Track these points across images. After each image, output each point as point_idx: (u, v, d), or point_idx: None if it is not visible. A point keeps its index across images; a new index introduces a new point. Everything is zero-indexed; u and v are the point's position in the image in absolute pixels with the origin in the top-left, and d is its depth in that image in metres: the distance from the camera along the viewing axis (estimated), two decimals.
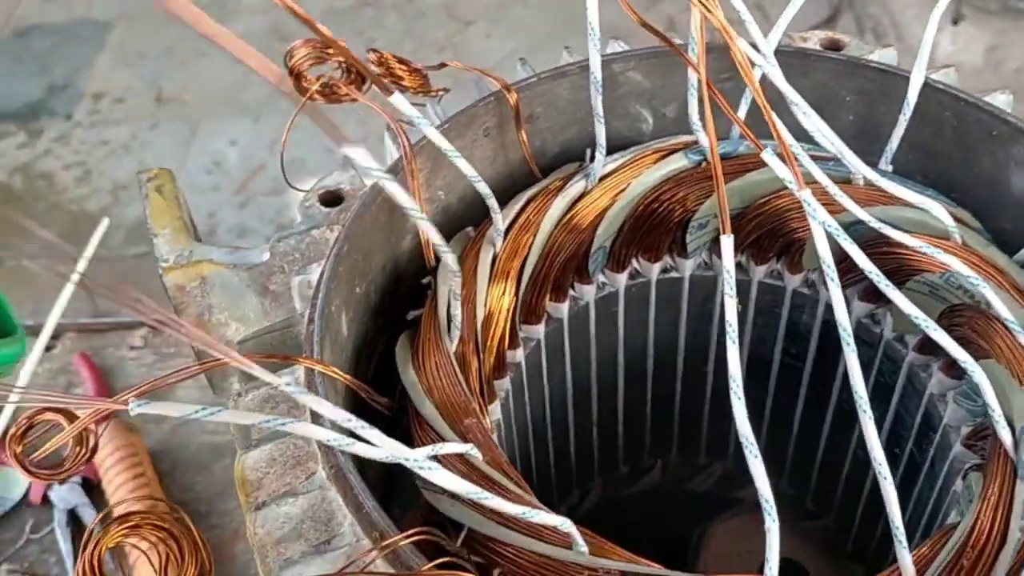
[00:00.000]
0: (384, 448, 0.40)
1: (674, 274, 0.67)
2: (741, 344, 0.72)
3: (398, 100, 0.45)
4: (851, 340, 0.44)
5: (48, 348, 1.16)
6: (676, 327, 0.71)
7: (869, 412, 0.43)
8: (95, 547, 0.40)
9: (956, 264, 0.52)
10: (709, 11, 0.46)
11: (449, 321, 0.55)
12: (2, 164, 1.68)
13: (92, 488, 1.04)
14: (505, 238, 0.60)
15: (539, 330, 0.64)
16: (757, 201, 0.63)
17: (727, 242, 0.49)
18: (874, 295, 0.63)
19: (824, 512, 0.77)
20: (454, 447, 0.47)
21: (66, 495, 1.02)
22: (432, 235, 0.47)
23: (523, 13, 2.04)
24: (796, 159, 0.52)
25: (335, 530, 0.45)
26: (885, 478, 0.43)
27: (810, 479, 0.76)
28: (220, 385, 0.64)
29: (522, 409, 0.66)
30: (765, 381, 0.73)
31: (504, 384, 0.61)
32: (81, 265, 1.33)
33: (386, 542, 0.42)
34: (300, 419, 0.49)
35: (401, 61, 0.61)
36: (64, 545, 1.00)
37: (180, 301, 0.59)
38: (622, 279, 0.66)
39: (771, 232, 0.64)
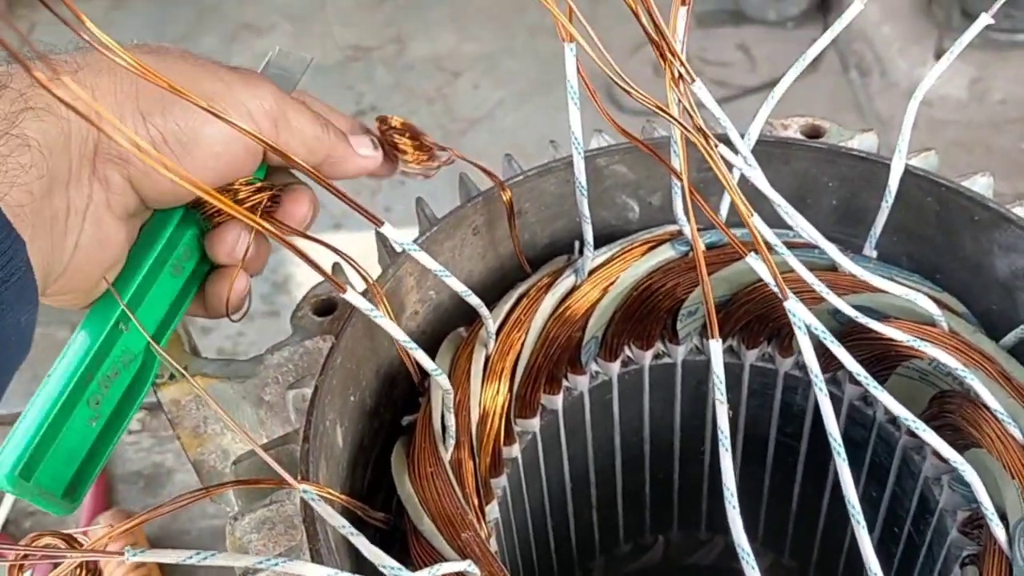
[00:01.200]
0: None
1: (666, 360, 0.67)
2: (736, 425, 0.72)
3: (387, 230, 0.46)
4: (842, 451, 0.44)
5: None
6: (671, 410, 0.71)
7: (863, 523, 0.44)
8: None
9: (943, 357, 0.52)
10: (688, 130, 0.46)
11: (443, 429, 0.55)
12: None
13: None
14: (497, 338, 0.60)
15: (534, 424, 0.64)
16: (745, 288, 0.64)
17: (716, 347, 0.50)
18: None
19: None
20: (453, 567, 0.47)
21: None
22: (424, 362, 0.47)
23: (510, 64, 2.06)
24: (779, 253, 0.53)
25: None
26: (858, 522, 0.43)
27: (812, 552, 0.76)
28: (218, 496, 0.65)
29: (520, 503, 0.66)
30: (762, 459, 0.73)
31: (501, 482, 0.62)
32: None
33: None
34: (299, 557, 0.50)
35: (409, 131, 0.61)
36: None
37: (175, 415, 0.60)
38: (615, 368, 0.67)
39: (760, 318, 0.65)
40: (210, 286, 0.57)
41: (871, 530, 0.67)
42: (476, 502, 0.56)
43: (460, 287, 0.51)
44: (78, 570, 0.49)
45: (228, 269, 0.56)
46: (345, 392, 0.56)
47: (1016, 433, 0.52)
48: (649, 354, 0.67)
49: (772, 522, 0.76)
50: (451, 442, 0.55)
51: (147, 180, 0.50)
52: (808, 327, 0.48)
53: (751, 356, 0.66)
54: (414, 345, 0.46)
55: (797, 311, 0.47)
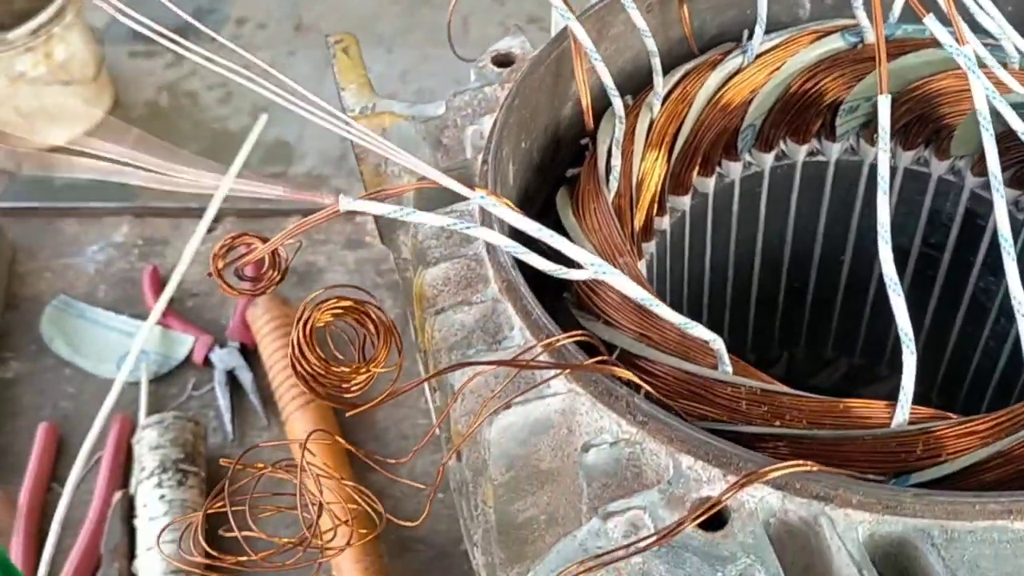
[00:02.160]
0: (568, 248, 0.45)
1: (820, 158, 0.69)
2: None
3: None
4: (1000, 187, 0.46)
5: (210, 230, 1.26)
6: (817, 213, 0.73)
7: (1013, 254, 0.46)
8: (308, 321, 0.46)
9: None
10: None
11: (608, 172, 0.59)
12: (151, 82, 1.78)
13: (249, 353, 1.13)
14: (662, 106, 0.63)
15: (685, 202, 0.68)
16: (909, 86, 0.65)
17: (884, 102, 0.52)
18: (1020, 182, 0.64)
19: (949, 408, 0.79)
20: (612, 270, 0.51)
21: (226, 357, 1.11)
22: (605, 77, 0.51)
23: None
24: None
25: (504, 335, 0.50)
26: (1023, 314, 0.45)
27: (937, 374, 0.78)
28: (389, 236, 0.71)
29: (662, 278, 0.70)
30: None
31: (650, 248, 0.66)
32: (240, 157, 1.43)
33: (551, 339, 0.47)
34: (476, 262, 0.54)
35: None
36: (223, 401, 1.09)
37: (361, 150, 0.65)
38: (768, 159, 0.69)
39: (921, 118, 0.66)
40: None
41: (1005, 340, 0.69)
42: (631, 245, 0.60)
43: (642, 23, 0.54)
44: (271, 270, 0.55)
45: None
46: (519, 136, 0.60)
47: None
48: (804, 149, 0.69)
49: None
50: (614, 185, 0.59)
51: None
52: (981, 82, 0.49)
53: (906, 158, 0.67)
54: (598, 57, 0.49)
55: (971, 58, 0.48)
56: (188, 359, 1.14)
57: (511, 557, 0.52)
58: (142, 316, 1.17)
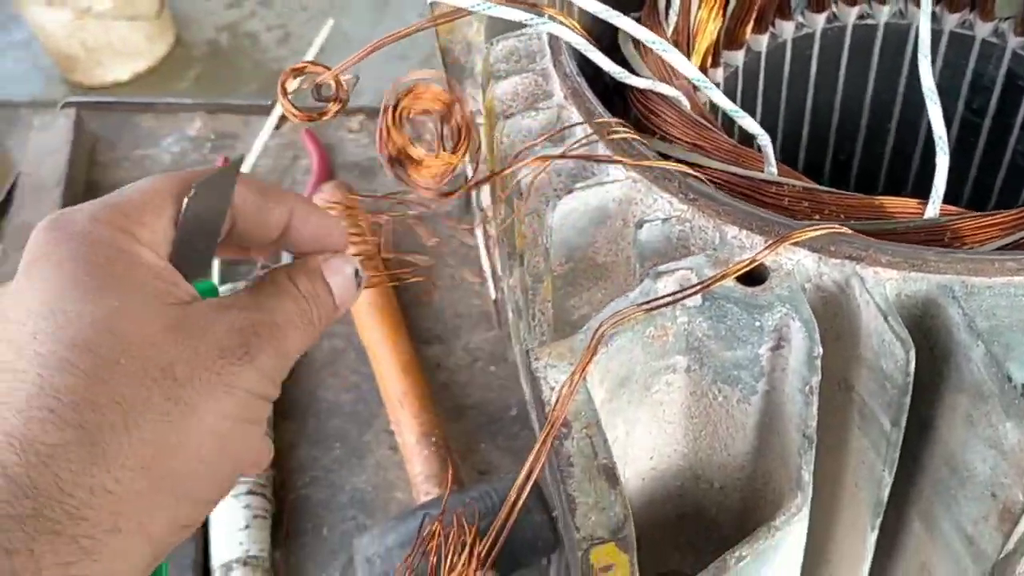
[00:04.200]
0: (627, 24, 0.50)
1: (869, 20, 0.73)
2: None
3: None
4: None
5: (277, 127, 1.32)
6: (864, 80, 0.77)
7: None
8: (398, 108, 0.50)
9: None
10: None
11: (667, 9, 0.63)
12: (212, 22, 1.82)
13: None
14: None
15: (739, 57, 0.72)
16: None
17: None
18: None
19: None
20: (669, 88, 0.55)
21: None
22: None
23: None
24: None
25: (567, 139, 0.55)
26: None
27: None
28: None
29: None
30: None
31: None
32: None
33: (613, 128, 0.51)
34: (543, 77, 0.59)
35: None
36: None
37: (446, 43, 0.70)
38: (820, 20, 0.72)
39: None
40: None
41: None
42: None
43: None
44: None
45: None
46: None
47: None
48: (855, 11, 0.72)
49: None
50: (673, 19, 0.63)
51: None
52: None
53: (951, 21, 0.71)
54: None
55: None
56: None
57: None
58: None
